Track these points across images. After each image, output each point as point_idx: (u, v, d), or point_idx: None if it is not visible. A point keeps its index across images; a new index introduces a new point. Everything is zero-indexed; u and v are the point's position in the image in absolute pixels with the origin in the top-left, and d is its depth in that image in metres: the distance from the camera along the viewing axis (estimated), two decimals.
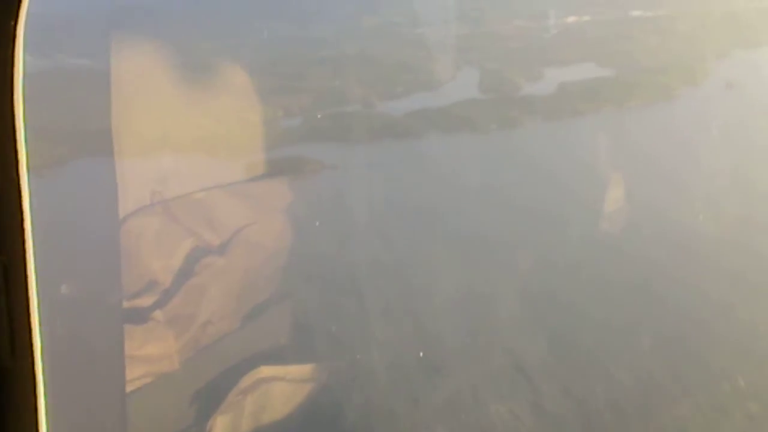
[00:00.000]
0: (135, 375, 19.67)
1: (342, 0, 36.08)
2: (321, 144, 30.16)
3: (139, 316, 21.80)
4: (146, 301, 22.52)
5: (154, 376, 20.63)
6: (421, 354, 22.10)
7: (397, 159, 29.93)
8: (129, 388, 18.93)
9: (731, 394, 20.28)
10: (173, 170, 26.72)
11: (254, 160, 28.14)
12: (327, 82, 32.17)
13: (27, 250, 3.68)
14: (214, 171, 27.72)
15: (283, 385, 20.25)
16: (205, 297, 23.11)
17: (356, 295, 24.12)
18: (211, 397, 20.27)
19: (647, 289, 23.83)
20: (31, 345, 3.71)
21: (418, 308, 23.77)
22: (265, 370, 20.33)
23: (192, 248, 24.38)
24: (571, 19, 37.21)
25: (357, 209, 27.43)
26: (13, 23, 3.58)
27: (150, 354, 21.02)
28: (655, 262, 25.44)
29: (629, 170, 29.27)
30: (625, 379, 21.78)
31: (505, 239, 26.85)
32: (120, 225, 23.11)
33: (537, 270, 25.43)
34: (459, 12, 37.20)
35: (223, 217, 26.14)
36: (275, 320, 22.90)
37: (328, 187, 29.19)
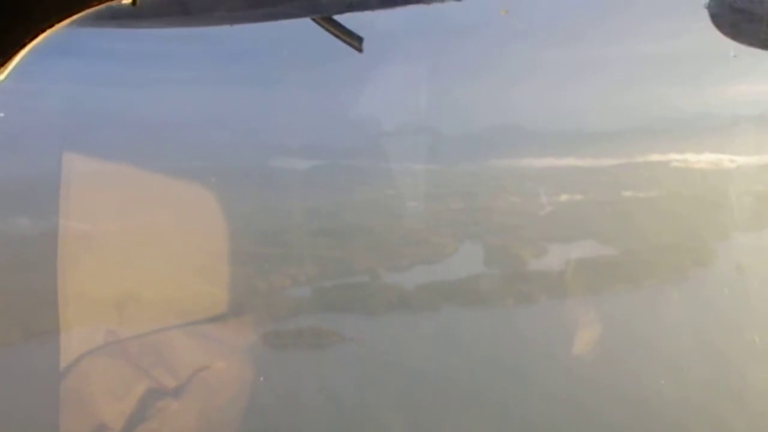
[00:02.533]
0: None
1: (334, 170, 37.61)
2: (334, 314, 30.45)
3: None
4: None
5: None
6: None
7: (415, 332, 30.27)
8: None
9: None
10: (131, 309, 26.52)
11: (218, 299, 28.12)
12: (330, 252, 32.83)
13: None
14: (175, 310, 27.55)
15: None
16: None
17: None
18: None
19: None
20: None
21: None
22: None
23: (146, 391, 23.88)
24: (563, 197, 39.51)
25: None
26: None
27: None
28: None
29: (660, 350, 30.35)
30: None
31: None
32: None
33: None
34: (451, 187, 39.16)
35: (181, 359, 25.80)
36: None
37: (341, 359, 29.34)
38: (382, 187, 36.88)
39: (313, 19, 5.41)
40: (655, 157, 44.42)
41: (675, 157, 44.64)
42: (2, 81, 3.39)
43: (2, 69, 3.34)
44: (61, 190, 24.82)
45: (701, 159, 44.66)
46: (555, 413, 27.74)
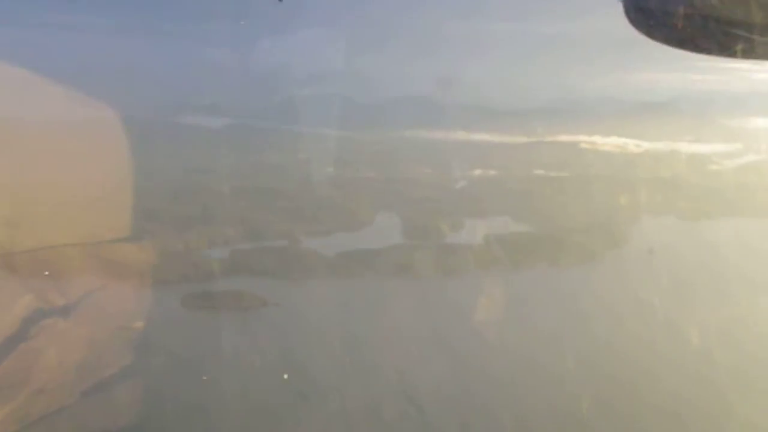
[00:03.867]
0: None
1: (246, 130, 36.71)
2: (255, 278, 29.65)
3: None
4: None
5: None
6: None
7: (339, 300, 29.79)
8: None
9: None
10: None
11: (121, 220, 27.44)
12: (247, 214, 31.99)
13: None
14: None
15: None
16: (39, 363, 21.75)
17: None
18: None
19: None
20: None
21: None
22: None
23: (31, 307, 22.95)
24: (477, 172, 39.69)
25: None
26: None
27: None
28: None
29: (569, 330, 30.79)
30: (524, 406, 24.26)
31: None
32: None
33: None
34: (363, 155, 38.78)
35: (74, 277, 24.73)
36: (119, 398, 21.98)
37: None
38: (295, 151, 36.16)
39: None
40: (564, 138, 45.24)
41: (583, 139, 45.58)
42: None
43: None
44: None
45: (608, 142, 45.77)
46: (464, 379, 27.64)
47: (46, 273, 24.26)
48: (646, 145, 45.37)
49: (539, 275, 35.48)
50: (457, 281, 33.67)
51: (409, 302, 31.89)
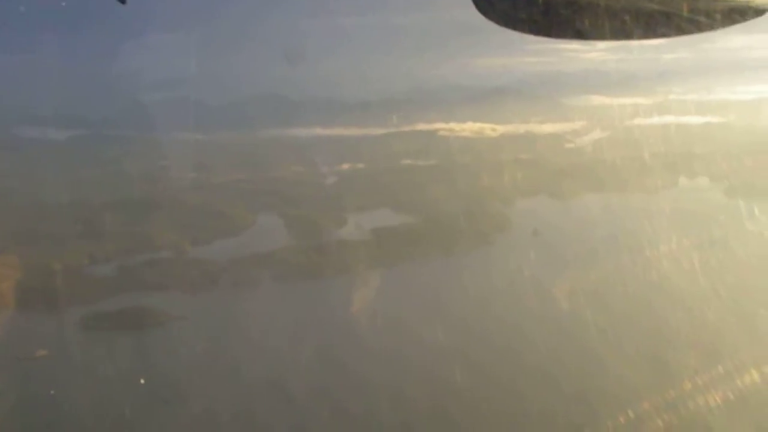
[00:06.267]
0: None
1: (96, 140, 33.48)
2: (149, 293, 26.58)
3: None
4: None
5: None
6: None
7: (243, 308, 27.25)
8: None
9: None
10: None
11: None
12: (123, 227, 28.79)
13: None
14: None
15: None
16: None
17: None
18: None
19: None
20: None
21: None
22: None
23: None
24: (345, 166, 38.11)
25: None
26: None
27: None
28: None
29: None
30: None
31: None
32: None
33: None
34: (226, 157, 36.37)
35: None
36: None
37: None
38: (154, 158, 33.22)
39: None
40: (422, 127, 44.56)
41: (441, 126, 44.96)
42: None
43: None
44: None
45: (465, 128, 45.21)
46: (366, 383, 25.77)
47: None
48: (500, 129, 45.17)
49: (431, 263, 33.95)
50: (349, 277, 31.80)
51: (309, 301, 29.83)
